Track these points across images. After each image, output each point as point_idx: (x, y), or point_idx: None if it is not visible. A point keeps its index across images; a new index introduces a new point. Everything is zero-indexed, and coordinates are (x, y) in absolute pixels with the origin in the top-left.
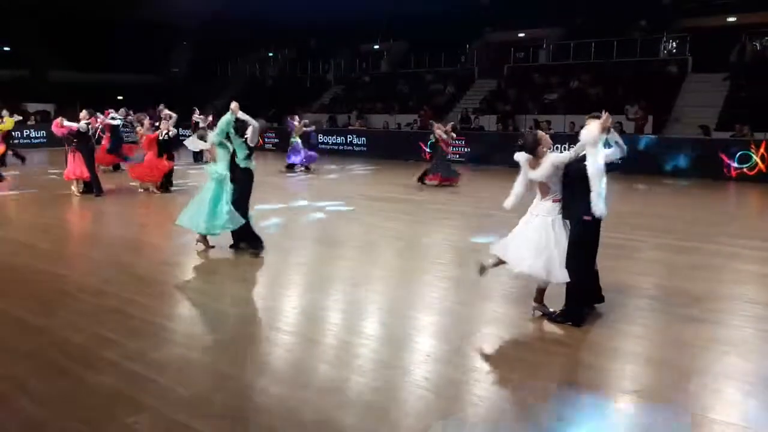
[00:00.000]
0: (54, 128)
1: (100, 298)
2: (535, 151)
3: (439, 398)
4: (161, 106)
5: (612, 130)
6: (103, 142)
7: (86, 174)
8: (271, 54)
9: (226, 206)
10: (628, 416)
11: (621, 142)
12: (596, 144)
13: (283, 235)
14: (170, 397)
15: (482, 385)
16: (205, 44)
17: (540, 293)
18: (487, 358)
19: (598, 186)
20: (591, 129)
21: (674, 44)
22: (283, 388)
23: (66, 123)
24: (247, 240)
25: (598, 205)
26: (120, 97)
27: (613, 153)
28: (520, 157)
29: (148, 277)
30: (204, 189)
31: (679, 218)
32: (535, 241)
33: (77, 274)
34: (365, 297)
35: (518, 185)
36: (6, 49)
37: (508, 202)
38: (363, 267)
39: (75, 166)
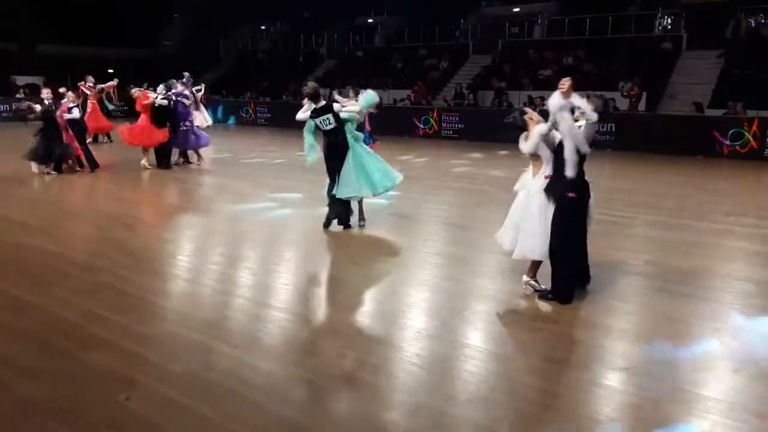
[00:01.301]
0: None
1: (93, 275)
2: (526, 125)
3: (430, 374)
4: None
5: (575, 95)
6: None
7: (79, 150)
8: (263, 27)
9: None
10: (618, 393)
11: (585, 107)
12: (563, 108)
13: (276, 214)
14: (162, 374)
15: (474, 361)
16: (198, 17)
17: (534, 268)
18: (478, 334)
19: (572, 148)
20: (553, 96)
21: (669, 20)
22: (274, 365)
23: (66, 116)
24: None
25: (570, 168)
26: (111, 71)
27: (587, 127)
28: (521, 138)
29: (141, 254)
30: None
31: (670, 195)
32: (543, 225)
33: (69, 250)
34: (357, 273)
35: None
36: None
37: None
38: (354, 243)
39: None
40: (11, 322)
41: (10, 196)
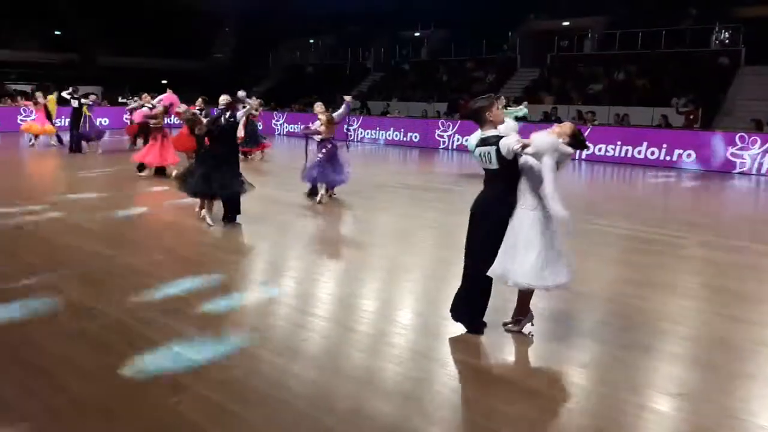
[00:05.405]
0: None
1: (146, 279)
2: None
3: (474, 390)
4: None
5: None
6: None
7: (174, 159)
8: (311, 41)
9: None
10: (670, 419)
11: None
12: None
13: (319, 224)
14: (209, 379)
15: (518, 379)
16: (248, 31)
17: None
18: (523, 351)
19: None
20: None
21: (726, 34)
22: (318, 375)
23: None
24: None
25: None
26: (164, 82)
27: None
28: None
29: (192, 259)
30: None
31: (725, 215)
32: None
33: (127, 256)
34: (401, 286)
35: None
36: (57, 33)
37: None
38: (398, 257)
39: (163, 151)
40: (70, 324)
41: (68, 199)
